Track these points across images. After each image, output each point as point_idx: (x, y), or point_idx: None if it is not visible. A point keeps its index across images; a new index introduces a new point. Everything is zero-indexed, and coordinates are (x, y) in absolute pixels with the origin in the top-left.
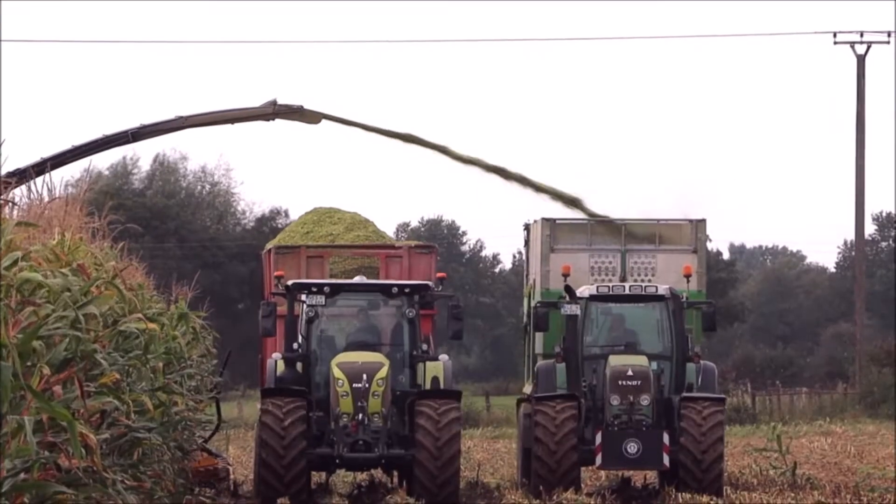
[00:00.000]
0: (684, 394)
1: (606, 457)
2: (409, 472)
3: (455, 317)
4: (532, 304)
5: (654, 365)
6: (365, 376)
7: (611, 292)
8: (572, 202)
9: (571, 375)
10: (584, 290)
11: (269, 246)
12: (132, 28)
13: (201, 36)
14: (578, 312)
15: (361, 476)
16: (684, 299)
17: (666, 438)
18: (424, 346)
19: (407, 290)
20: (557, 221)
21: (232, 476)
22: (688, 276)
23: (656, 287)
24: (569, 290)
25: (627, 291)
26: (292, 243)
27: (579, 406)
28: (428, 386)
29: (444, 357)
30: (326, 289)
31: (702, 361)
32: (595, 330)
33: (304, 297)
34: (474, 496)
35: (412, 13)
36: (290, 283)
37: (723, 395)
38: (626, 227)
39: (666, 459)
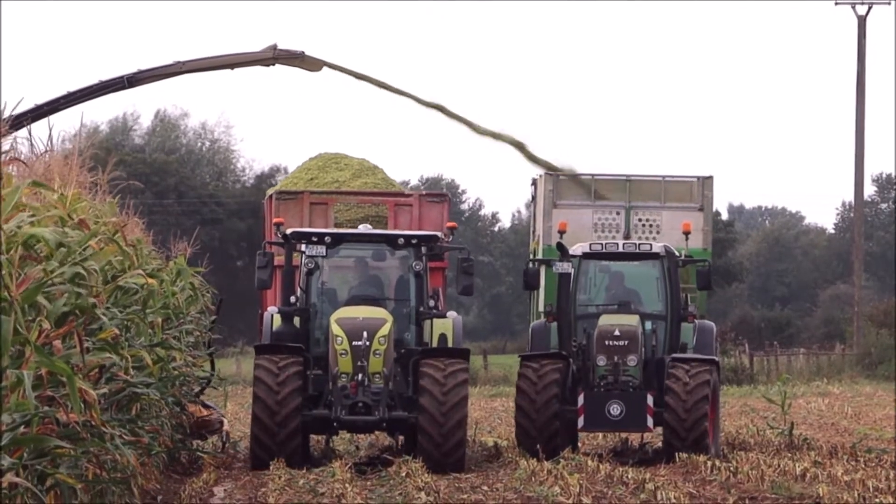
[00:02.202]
0: (675, 354)
1: (589, 418)
2: (415, 436)
3: (465, 271)
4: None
5: (649, 324)
6: (366, 334)
7: (604, 250)
8: (516, 145)
9: (563, 335)
10: (577, 248)
11: (270, 192)
12: None
13: None
14: (570, 270)
15: (363, 438)
16: (681, 257)
17: (650, 400)
18: (432, 302)
19: (414, 241)
20: (560, 177)
21: (225, 428)
22: (687, 234)
23: (650, 244)
24: (560, 247)
25: (621, 249)
26: (295, 189)
27: (567, 366)
28: (435, 344)
29: (453, 314)
30: (327, 238)
31: (700, 321)
32: (588, 288)
33: (303, 247)
34: (476, 458)
35: None
36: (288, 231)
37: (714, 357)
38: (631, 184)
39: (650, 421)
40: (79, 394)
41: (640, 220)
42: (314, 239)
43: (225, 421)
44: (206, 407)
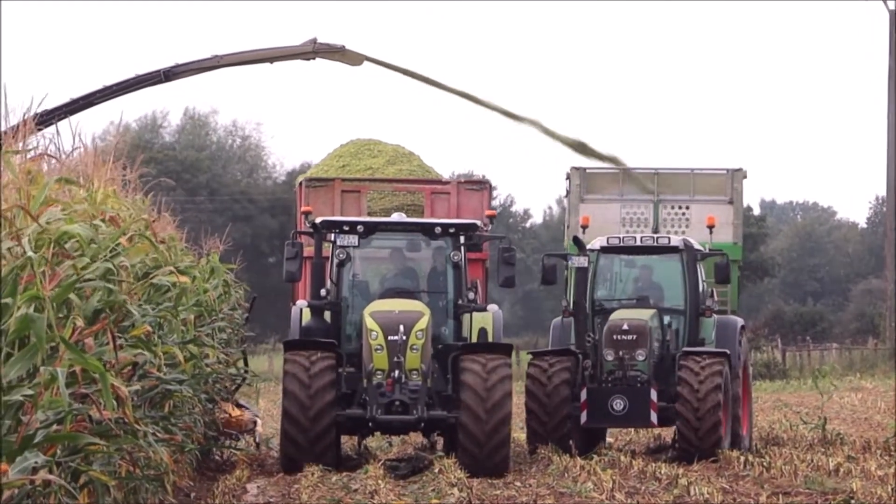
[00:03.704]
0: (686, 348)
1: (591, 413)
2: (454, 437)
3: (506, 261)
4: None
5: (667, 319)
6: (402, 328)
7: (622, 244)
8: (577, 146)
9: (579, 331)
10: (595, 242)
11: (300, 179)
12: None
13: None
14: (586, 265)
15: (395, 438)
16: (704, 251)
17: (654, 395)
18: (472, 294)
19: (452, 230)
20: (588, 171)
21: (259, 429)
22: (711, 227)
23: (669, 238)
24: (577, 241)
25: (639, 243)
26: (326, 176)
27: (577, 363)
28: (475, 339)
29: (493, 307)
30: (359, 227)
31: (724, 316)
32: (607, 283)
33: (334, 236)
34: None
35: None
36: (317, 220)
37: (725, 350)
38: (660, 177)
39: (654, 417)
40: (112, 391)
41: (668, 213)
42: (346, 228)
43: (259, 421)
44: (240, 406)
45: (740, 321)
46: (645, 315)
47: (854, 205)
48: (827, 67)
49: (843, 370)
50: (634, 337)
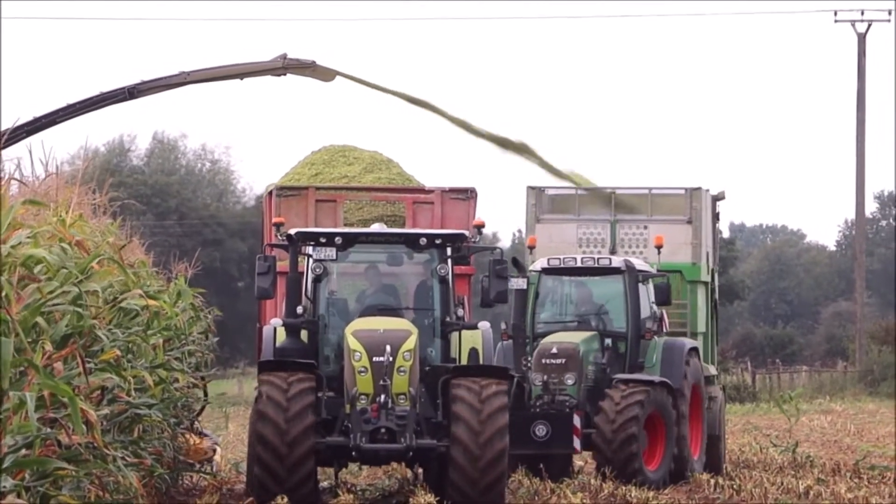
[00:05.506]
0: (618, 375)
1: (514, 440)
2: (442, 467)
3: (498, 275)
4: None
5: (608, 342)
6: (388, 348)
7: (562, 265)
8: (518, 148)
9: (516, 354)
10: (536, 264)
11: (269, 187)
12: None
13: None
14: (525, 286)
15: (379, 471)
16: (649, 271)
17: (577, 421)
18: (460, 312)
19: (438, 241)
20: (544, 189)
21: (217, 457)
22: (659, 247)
23: (609, 259)
24: (516, 262)
25: (579, 264)
26: (298, 185)
27: (508, 387)
28: (464, 360)
29: (484, 325)
30: (338, 239)
31: (673, 338)
32: (550, 305)
33: (310, 249)
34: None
35: None
36: (292, 231)
37: (652, 378)
38: (616, 196)
39: (577, 443)
40: (81, 415)
41: (626, 234)
42: (322, 240)
43: (218, 449)
44: (200, 434)
45: (690, 343)
46: (577, 338)
47: (823, 228)
48: (796, 91)
49: (812, 393)
50: (563, 361)
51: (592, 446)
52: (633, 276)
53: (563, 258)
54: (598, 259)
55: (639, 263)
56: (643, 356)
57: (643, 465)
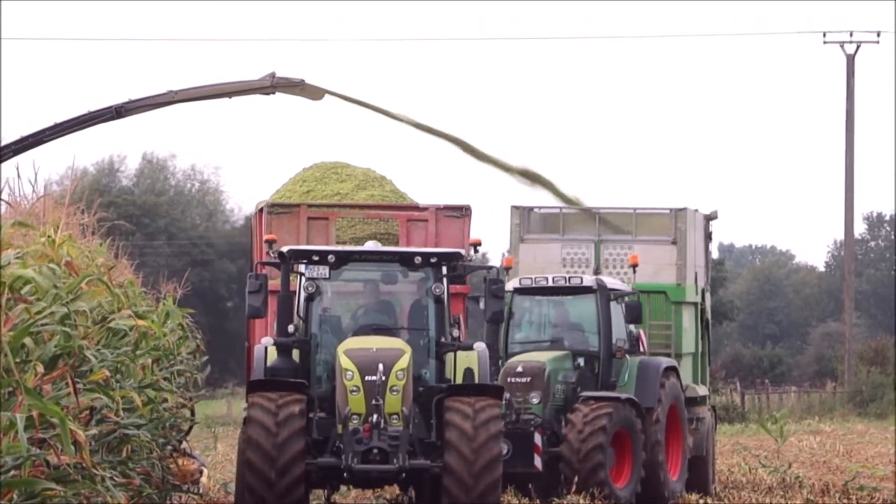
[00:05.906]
0: (586, 393)
1: None
2: (436, 490)
3: (495, 294)
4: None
5: (580, 361)
6: (381, 367)
7: (534, 284)
8: (544, 183)
9: (492, 373)
10: (510, 284)
11: (260, 204)
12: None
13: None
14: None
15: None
16: (623, 290)
17: (538, 439)
18: (455, 332)
19: (433, 260)
20: (529, 209)
21: (203, 479)
22: (634, 266)
23: (581, 278)
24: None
25: (551, 283)
26: (290, 202)
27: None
28: (459, 380)
29: (480, 345)
30: (331, 257)
31: (649, 357)
32: (524, 325)
33: (302, 267)
34: None
35: (408, 12)
36: (284, 249)
37: (621, 396)
38: (601, 216)
39: (538, 461)
40: (70, 435)
41: (610, 254)
42: (315, 258)
43: (205, 470)
44: (187, 455)
45: (666, 362)
46: (544, 357)
47: (812, 249)
48: (785, 111)
49: (801, 413)
50: (528, 379)
51: (560, 458)
52: (605, 295)
53: (535, 278)
54: (570, 278)
55: (611, 282)
56: (616, 375)
57: (609, 479)
